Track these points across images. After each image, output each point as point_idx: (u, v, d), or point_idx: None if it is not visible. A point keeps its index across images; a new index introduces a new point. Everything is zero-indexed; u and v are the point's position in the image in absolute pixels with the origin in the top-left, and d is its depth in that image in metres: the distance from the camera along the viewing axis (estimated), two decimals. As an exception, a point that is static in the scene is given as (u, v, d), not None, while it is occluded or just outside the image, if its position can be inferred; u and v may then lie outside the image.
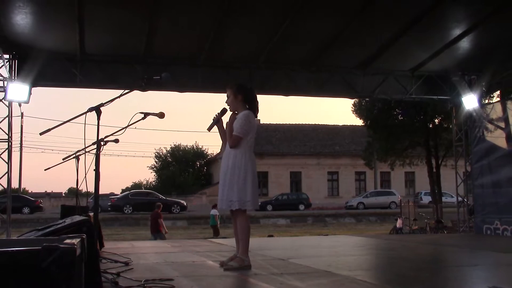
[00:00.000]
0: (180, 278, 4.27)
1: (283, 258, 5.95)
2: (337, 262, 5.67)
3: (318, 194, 40.94)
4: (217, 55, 8.94)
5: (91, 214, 5.11)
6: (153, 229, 14.89)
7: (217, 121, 4.99)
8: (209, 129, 5.01)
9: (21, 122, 37.16)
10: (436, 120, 19.22)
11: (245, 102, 4.94)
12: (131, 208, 30.71)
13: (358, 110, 20.40)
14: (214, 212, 18.24)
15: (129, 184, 64.71)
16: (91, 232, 3.43)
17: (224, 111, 4.99)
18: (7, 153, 8.48)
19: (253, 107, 4.97)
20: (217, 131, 5.07)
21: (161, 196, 32.83)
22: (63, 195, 48.39)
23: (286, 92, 10.14)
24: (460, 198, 11.50)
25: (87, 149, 4.44)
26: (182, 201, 33.08)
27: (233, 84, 5.10)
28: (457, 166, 11.52)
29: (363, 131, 24.38)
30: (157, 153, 51.18)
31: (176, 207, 31.84)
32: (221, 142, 5.11)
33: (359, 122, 21.66)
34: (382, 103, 18.63)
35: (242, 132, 4.75)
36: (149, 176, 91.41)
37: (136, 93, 5.67)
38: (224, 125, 4.99)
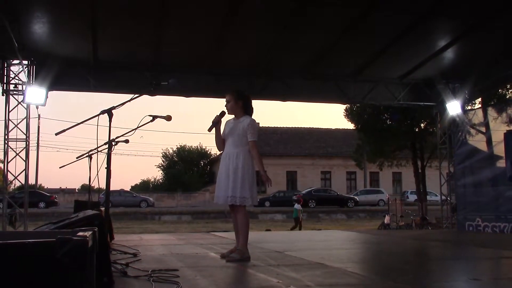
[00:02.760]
0: (184, 269, 4.26)
1: (280, 250, 5.93)
2: (329, 255, 5.66)
3: (312, 192, 40.88)
4: (220, 63, 8.94)
5: (103, 208, 5.08)
6: None
7: (216, 122, 4.98)
8: (210, 130, 5.01)
9: (38, 123, 37.29)
10: (422, 125, 19.18)
11: (244, 108, 4.95)
12: (314, 202, 32.35)
13: (350, 114, 20.34)
14: (297, 206, 18.64)
15: (137, 182, 64.77)
16: (102, 225, 3.41)
17: (223, 113, 4.98)
18: (25, 151, 8.48)
19: (250, 113, 4.99)
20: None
21: (337, 192, 35.30)
22: (77, 191, 48.31)
23: (283, 98, 10.14)
24: (443, 197, 11.49)
25: (99, 149, 4.41)
26: (355, 197, 34.47)
27: (234, 90, 5.07)
28: (441, 167, 11.51)
29: (354, 134, 24.27)
30: (164, 153, 51.26)
31: (351, 201, 33.58)
32: (219, 142, 5.04)
33: (350, 126, 21.58)
34: (372, 108, 18.60)
35: (256, 137, 4.88)
36: (157, 174, 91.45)
37: (145, 97, 5.68)
38: (222, 127, 4.99)
